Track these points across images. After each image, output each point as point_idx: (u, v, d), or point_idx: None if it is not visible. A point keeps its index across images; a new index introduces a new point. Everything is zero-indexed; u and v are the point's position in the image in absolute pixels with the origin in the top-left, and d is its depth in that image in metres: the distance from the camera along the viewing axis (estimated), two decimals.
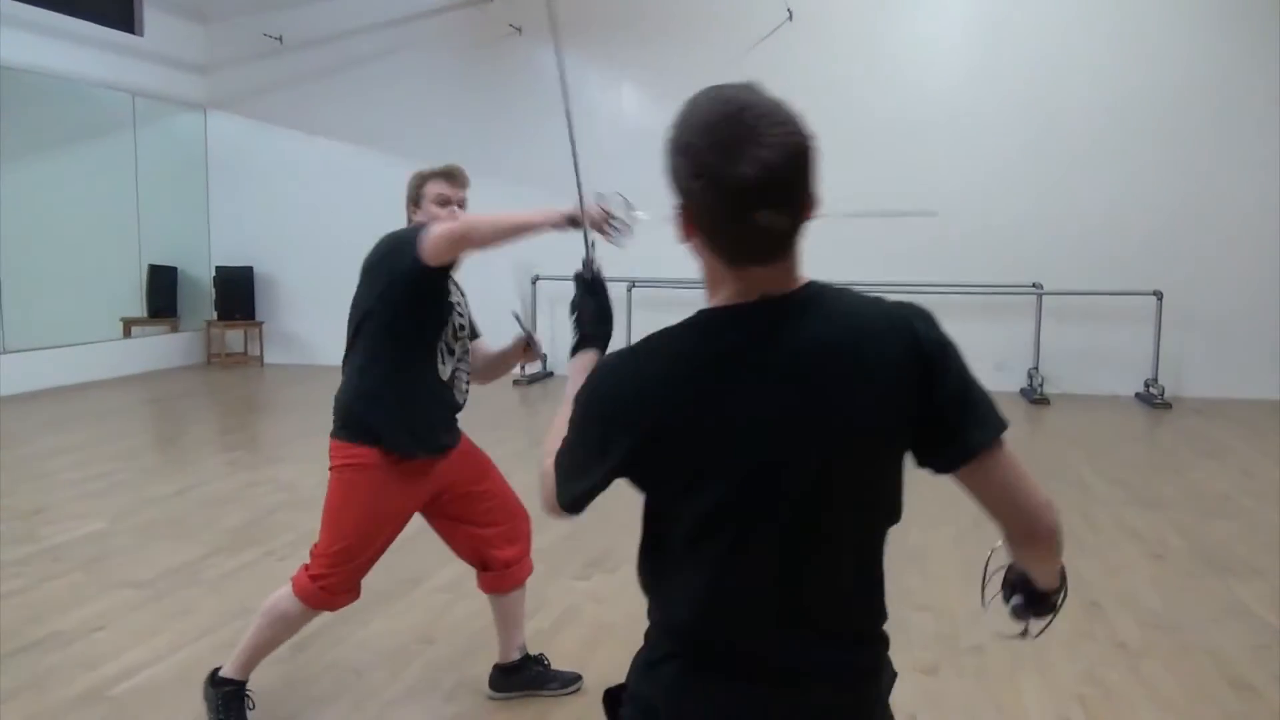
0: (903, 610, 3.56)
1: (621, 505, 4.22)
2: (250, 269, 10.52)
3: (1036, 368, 8.73)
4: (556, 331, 9.91)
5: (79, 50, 9.09)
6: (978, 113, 8.85)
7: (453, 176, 2.99)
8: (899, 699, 2.84)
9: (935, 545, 4.41)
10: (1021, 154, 8.80)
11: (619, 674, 2.94)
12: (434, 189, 2.93)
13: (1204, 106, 8.47)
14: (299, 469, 5.81)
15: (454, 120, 9.97)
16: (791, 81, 9.06)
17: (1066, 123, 8.71)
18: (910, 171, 8.99)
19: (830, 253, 9.47)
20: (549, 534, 4.63)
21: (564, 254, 8.40)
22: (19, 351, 8.73)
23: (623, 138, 9.67)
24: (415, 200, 2.94)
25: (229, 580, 3.91)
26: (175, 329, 10.59)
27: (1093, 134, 8.66)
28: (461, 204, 2.99)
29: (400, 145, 10.09)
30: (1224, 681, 3.06)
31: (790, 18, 9.06)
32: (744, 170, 1.08)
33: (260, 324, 10.57)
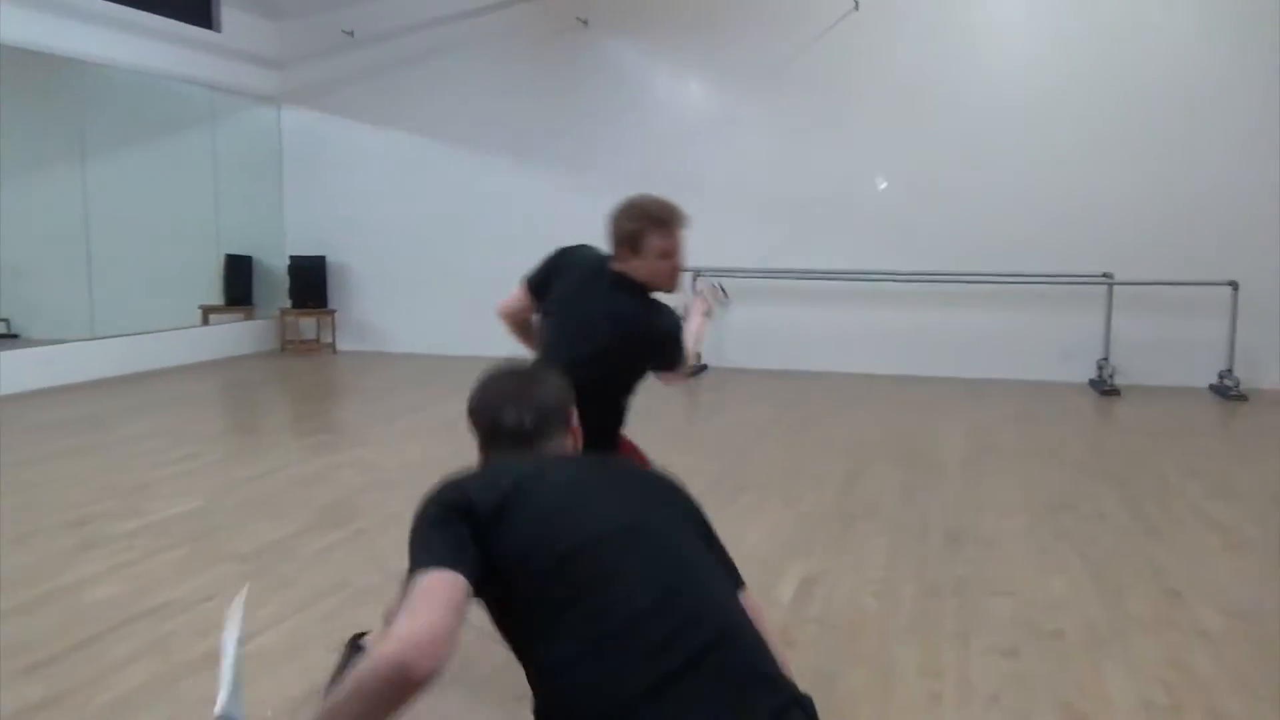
0: (984, 596, 3.65)
1: (697, 490, 4.35)
2: (323, 258, 10.79)
3: (1106, 358, 8.64)
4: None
5: (159, 46, 9.39)
6: (1050, 97, 8.77)
7: (668, 224, 2.95)
8: (980, 680, 2.92)
9: (1008, 533, 4.44)
10: (1093, 140, 8.70)
11: None
12: (658, 242, 2.90)
13: None
14: (380, 450, 6.00)
15: (521, 111, 10.12)
16: (858, 66, 9.18)
17: (1141, 107, 8.59)
18: (980, 156, 8.94)
19: (898, 241, 9.56)
20: None
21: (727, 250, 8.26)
22: (108, 338, 9.08)
23: (690, 126, 9.75)
24: (632, 246, 2.91)
25: (325, 555, 4.08)
26: (251, 316, 10.91)
27: (1167, 119, 8.54)
28: (679, 250, 2.99)
29: (468, 137, 10.28)
30: None
31: (856, 7, 9.05)
32: None
33: (332, 312, 10.84)
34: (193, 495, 5.00)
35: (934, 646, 3.22)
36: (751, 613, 1.77)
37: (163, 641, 3.21)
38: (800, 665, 3.03)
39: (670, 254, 2.88)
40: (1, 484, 5.20)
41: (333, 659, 2.99)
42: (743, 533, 4.43)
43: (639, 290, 2.94)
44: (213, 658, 3.04)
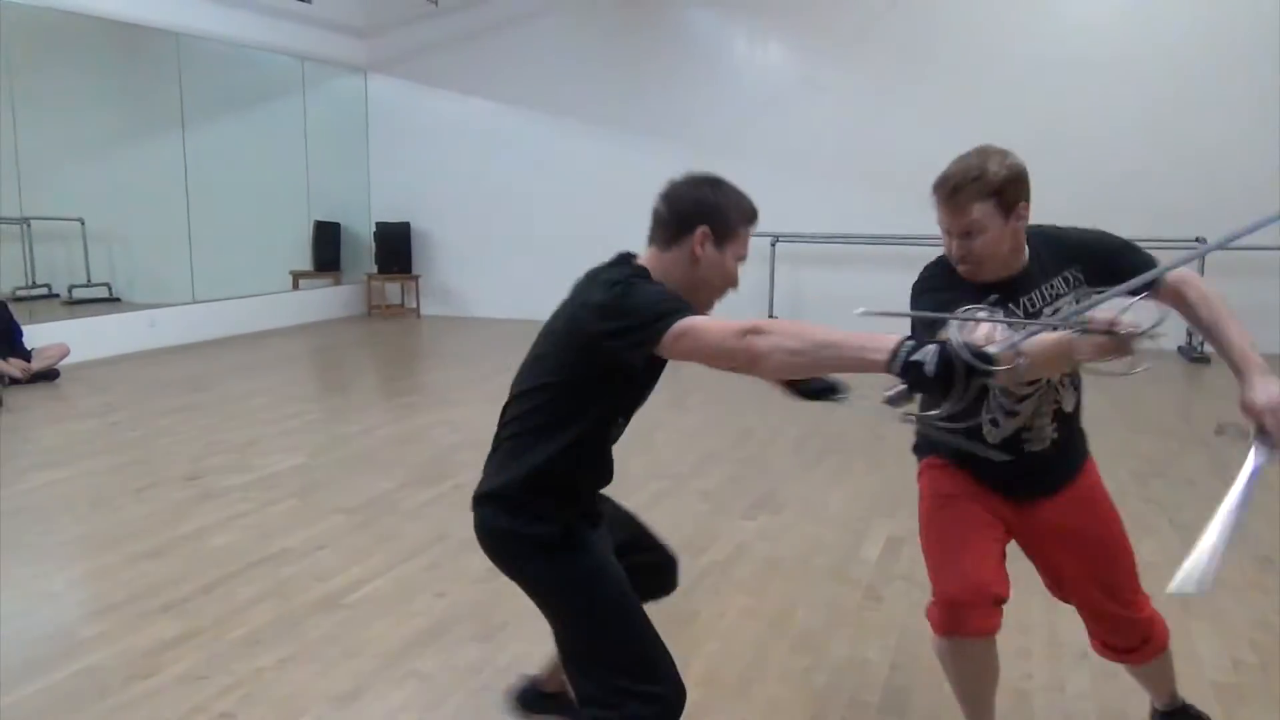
0: None
1: (780, 453, 4.49)
2: (408, 225, 11.04)
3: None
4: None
5: (251, 17, 9.65)
6: (1137, 54, 8.55)
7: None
8: (1068, 636, 2.97)
9: None
10: (1188, 94, 8.46)
11: (792, 604, 3.16)
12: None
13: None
14: (469, 411, 6.20)
15: (599, 78, 10.19)
16: (939, 21, 9.01)
17: (1232, 67, 8.32)
18: (1053, 117, 8.77)
19: None
20: (717, 473, 4.87)
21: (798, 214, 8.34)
22: (207, 301, 9.47)
23: (767, 92, 9.73)
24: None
25: (425, 509, 4.28)
26: (338, 281, 11.23)
27: (1260, 80, 8.26)
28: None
29: (548, 104, 10.40)
30: None
31: None
32: None
33: (417, 277, 11.11)
34: (297, 451, 5.25)
35: (1023, 604, 3.27)
36: None
37: (283, 585, 3.43)
38: (888, 620, 3.13)
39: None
40: (117, 440, 5.52)
41: (435, 606, 3.18)
42: (826, 495, 4.52)
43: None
44: (330, 603, 3.26)
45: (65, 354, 7.31)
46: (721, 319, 1.75)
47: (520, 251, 10.53)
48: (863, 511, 4.25)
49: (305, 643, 3.00)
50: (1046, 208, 8.37)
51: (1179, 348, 8.58)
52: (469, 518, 4.05)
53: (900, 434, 5.63)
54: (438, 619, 3.17)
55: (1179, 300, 2.16)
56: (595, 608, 1.97)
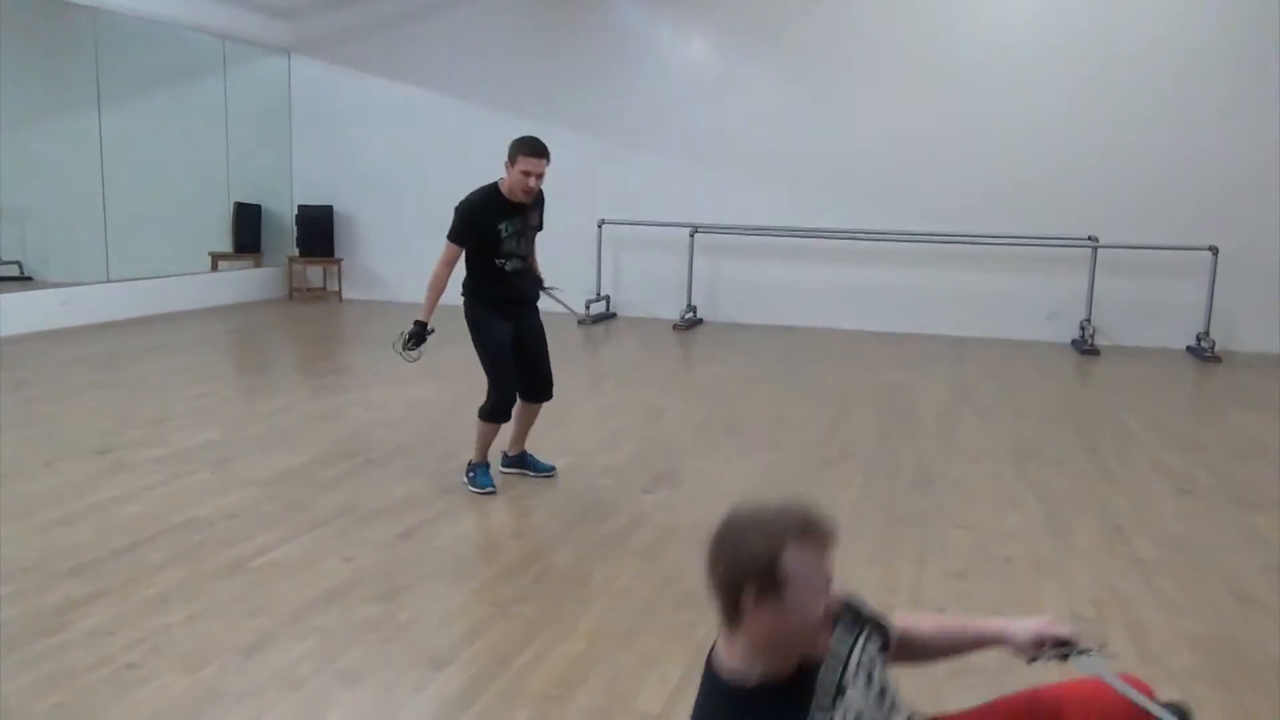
0: (943, 528, 3.97)
1: (686, 433, 4.75)
2: (330, 208, 11.03)
3: (1089, 319, 8.92)
4: (620, 276, 10.31)
5: None
6: (1037, 63, 8.98)
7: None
8: (930, 595, 3.22)
9: (974, 476, 4.76)
10: (1079, 103, 8.91)
11: (682, 569, 3.38)
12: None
13: (1266, 61, 8.48)
14: (387, 392, 6.31)
15: (527, 68, 10.30)
16: (857, 19, 9.36)
17: (1126, 73, 8.80)
18: (969, 122, 9.17)
19: (889, 203, 9.80)
20: (625, 450, 5.07)
21: (632, 201, 8.79)
22: (122, 281, 9.37)
23: (691, 86, 9.96)
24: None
25: (337, 482, 4.40)
26: (259, 264, 11.17)
27: (1152, 85, 8.75)
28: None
29: (474, 91, 10.48)
30: (1229, 594, 3.39)
31: None
32: None
33: (339, 261, 11.11)
34: (211, 428, 5.31)
35: (893, 568, 3.55)
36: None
37: (193, 550, 3.54)
38: None
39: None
40: (29, 414, 5.52)
41: (340, 571, 3.33)
42: (725, 470, 4.75)
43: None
44: (239, 566, 3.38)
45: None
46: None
47: (441, 238, 10.58)
48: (756, 487, 4.49)
49: (212, 601, 3.12)
50: (953, 206, 8.79)
51: (1072, 341, 9.03)
52: (380, 490, 4.25)
53: (806, 416, 5.99)
54: (342, 581, 3.32)
55: (914, 643, 1.82)
56: (483, 349, 4.29)
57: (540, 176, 4.15)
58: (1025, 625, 1.78)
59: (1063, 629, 1.76)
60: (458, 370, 5.16)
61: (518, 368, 4.33)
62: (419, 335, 4.22)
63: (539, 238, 4.46)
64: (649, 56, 10.05)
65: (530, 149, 4.11)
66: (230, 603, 3.12)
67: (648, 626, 3.04)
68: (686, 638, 2.95)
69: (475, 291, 4.28)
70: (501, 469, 4.52)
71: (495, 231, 4.17)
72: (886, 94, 9.38)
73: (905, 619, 1.80)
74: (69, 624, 2.93)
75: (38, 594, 3.14)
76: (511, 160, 4.14)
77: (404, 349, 4.22)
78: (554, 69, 10.25)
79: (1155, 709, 1.60)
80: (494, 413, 4.29)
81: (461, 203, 4.22)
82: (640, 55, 10.06)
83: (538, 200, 4.35)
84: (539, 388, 4.43)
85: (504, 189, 4.20)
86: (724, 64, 9.88)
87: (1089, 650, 1.71)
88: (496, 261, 4.21)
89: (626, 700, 2.59)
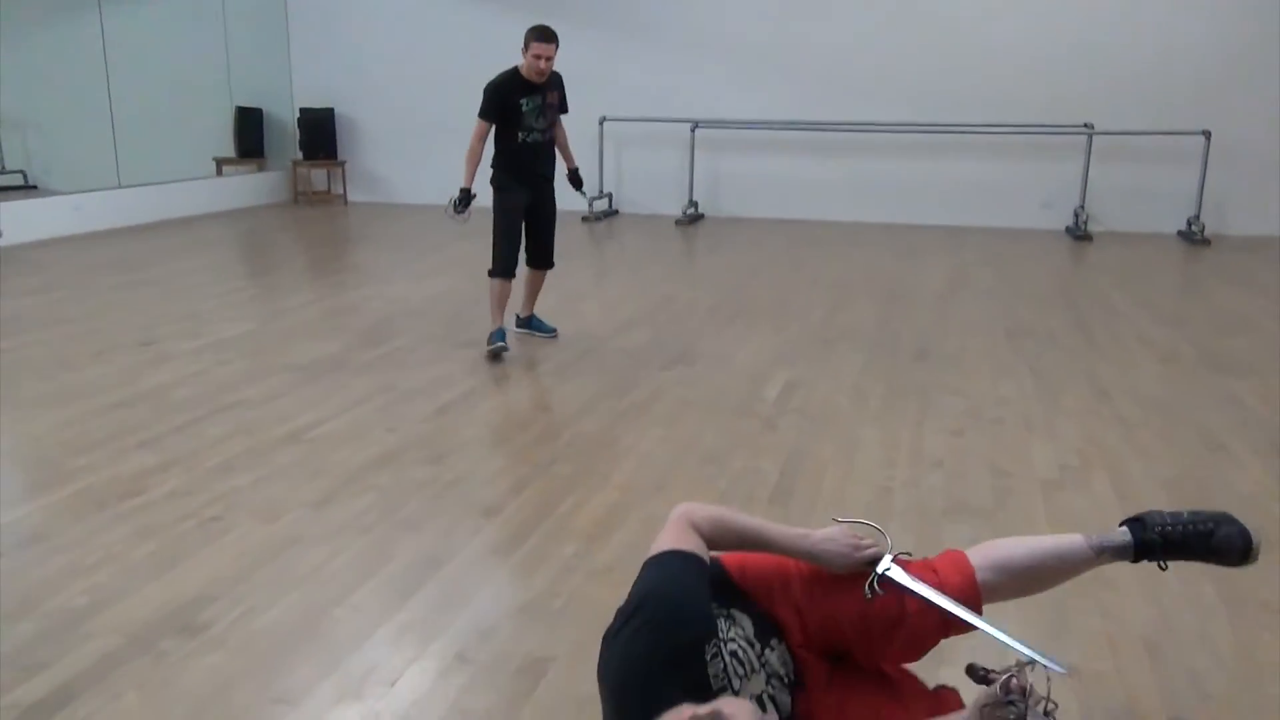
0: (941, 395, 4.27)
1: (695, 318, 5.04)
2: (332, 110, 11.06)
3: (1083, 206, 9.12)
4: (622, 173, 10.43)
5: None
6: None
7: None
8: (929, 451, 3.53)
9: (969, 351, 5.04)
10: None
11: (701, 432, 3.67)
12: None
13: None
14: (405, 287, 6.55)
15: None
16: None
17: None
18: (961, 6, 9.20)
19: (887, 94, 9.86)
20: (639, 334, 5.35)
21: (634, 98, 8.95)
22: (132, 187, 9.50)
23: None
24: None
25: (370, 366, 4.68)
26: (262, 168, 11.26)
27: None
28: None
29: None
30: (1202, 445, 3.70)
31: None
32: None
33: (343, 163, 11.20)
34: (243, 321, 5.57)
35: (893, 430, 3.84)
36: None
37: (248, 425, 3.83)
38: (781, 442, 3.67)
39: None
40: (65, 313, 5.76)
41: (387, 440, 3.62)
42: (734, 350, 5.02)
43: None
44: (293, 438, 3.67)
45: None
46: None
47: (446, 137, 10.60)
48: (766, 363, 4.77)
49: (275, 467, 3.42)
50: (950, 96, 8.91)
51: (1066, 228, 9.24)
52: (412, 373, 4.53)
53: (809, 301, 6.35)
54: (390, 448, 3.61)
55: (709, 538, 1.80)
56: (498, 210, 4.89)
57: (550, 59, 4.74)
58: (827, 539, 1.79)
59: (866, 547, 1.79)
60: (473, 263, 5.39)
61: (527, 236, 5.02)
62: (465, 199, 4.93)
63: (572, 134, 5.27)
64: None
65: (539, 35, 4.73)
66: (291, 467, 3.42)
67: (674, 479, 3.34)
68: (710, 488, 3.26)
69: (499, 162, 4.93)
70: (515, 329, 5.20)
71: (516, 105, 4.79)
72: None
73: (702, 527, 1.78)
74: (149, 488, 3.23)
75: (113, 464, 3.43)
76: (525, 46, 4.76)
77: (455, 211, 4.89)
78: None
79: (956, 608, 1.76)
80: (501, 268, 4.92)
81: (488, 84, 4.83)
82: None
83: (555, 82, 4.95)
84: (541, 255, 5.14)
85: (522, 71, 4.82)
86: None
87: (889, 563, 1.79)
88: (519, 135, 4.85)
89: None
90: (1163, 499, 3.19)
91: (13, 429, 3.81)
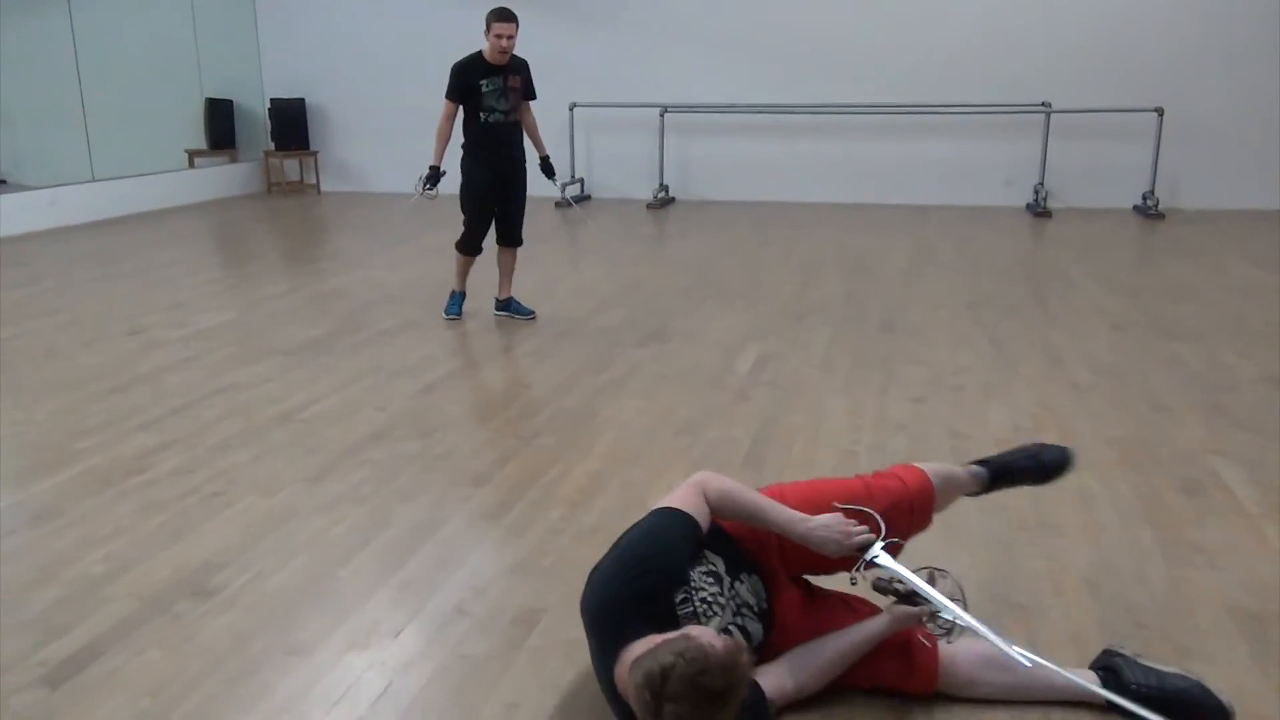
0: (905, 365, 4.49)
1: (669, 298, 5.24)
2: (303, 100, 11.12)
3: (1042, 183, 9.37)
4: (593, 158, 10.58)
5: None
6: None
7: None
8: (892, 416, 3.74)
9: (932, 323, 5.26)
10: None
11: (676, 405, 3.85)
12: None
13: None
14: (385, 272, 6.69)
15: None
16: None
17: None
18: None
19: (849, 76, 10.05)
20: (614, 314, 5.52)
21: (603, 84, 9.18)
22: (106, 180, 9.54)
23: None
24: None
25: (355, 350, 4.83)
26: (235, 159, 11.31)
27: None
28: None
29: None
30: (1148, 406, 3.94)
31: None
32: None
33: (315, 153, 11.27)
34: (227, 310, 5.69)
35: (859, 397, 4.05)
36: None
37: (242, 407, 3.98)
38: (753, 412, 3.87)
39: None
40: (50, 304, 5.86)
41: (377, 418, 3.79)
42: (708, 327, 5.22)
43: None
44: (286, 418, 3.83)
45: None
46: None
47: (417, 125, 10.66)
48: (738, 339, 4.97)
49: (271, 445, 3.58)
50: (911, 77, 9.14)
51: (1027, 205, 9.50)
52: (397, 354, 4.70)
53: (779, 278, 6.60)
54: (381, 425, 3.78)
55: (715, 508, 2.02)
56: (464, 191, 5.15)
57: (511, 38, 4.96)
58: (822, 526, 1.97)
59: (858, 535, 1.99)
60: (448, 249, 5.54)
61: (495, 216, 5.24)
62: (434, 176, 5.22)
63: (543, 120, 5.49)
64: None
65: (499, 15, 4.95)
66: (287, 445, 3.58)
67: (651, 449, 3.54)
68: (685, 455, 3.45)
69: (466, 144, 5.18)
70: (495, 313, 5.44)
71: (477, 86, 5.04)
72: None
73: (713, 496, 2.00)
74: (152, 466, 3.38)
75: (116, 445, 3.58)
76: (486, 28, 4.97)
77: (424, 189, 5.15)
78: None
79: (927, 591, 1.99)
80: (465, 245, 5.28)
81: (453, 66, 5.10)
82: None
83: (518, 66, 5.17)
84: (509, 235, 5.33)
85: (485, 54, 5.06)
86: None
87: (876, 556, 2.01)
88: (480, 115, 5.08)
89: (639, 502, 3.07)
90: (1107, 453, 3.42)
91: (15, 414, 3.94)
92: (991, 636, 1.94)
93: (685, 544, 1.93)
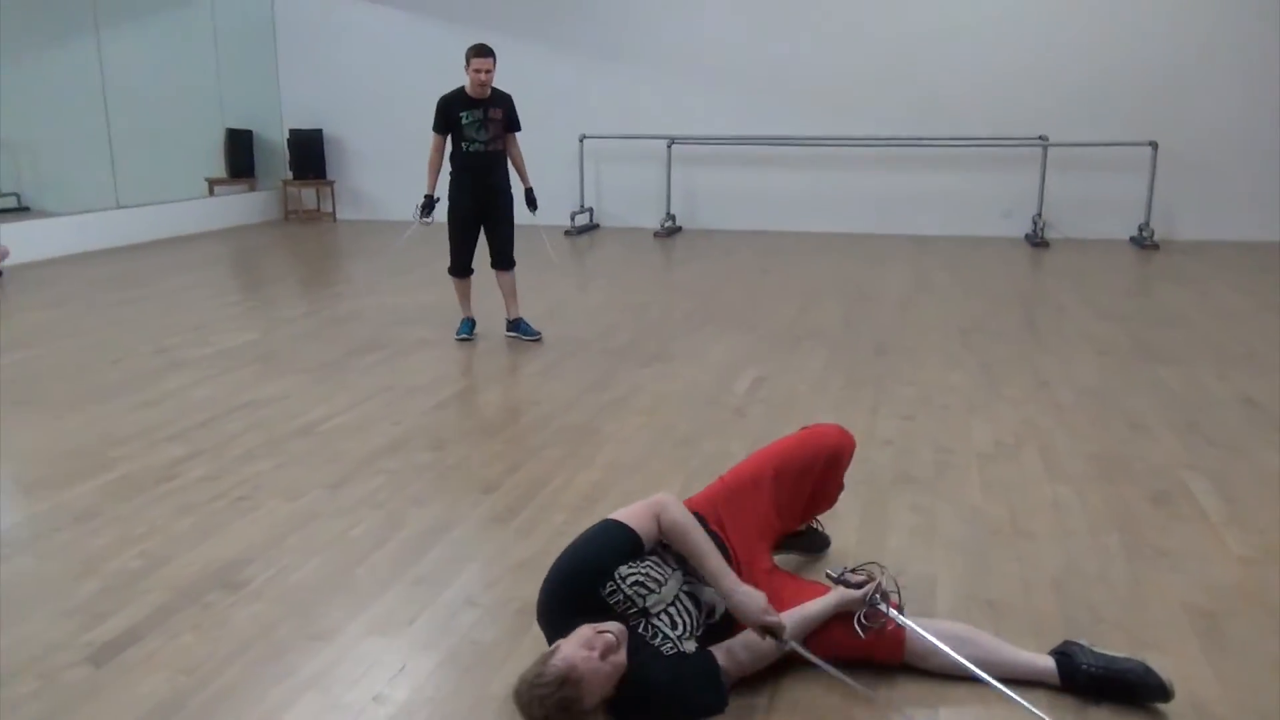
0: (894, 385, 4.68)
1: (671, 322, 5.48)
2: (320, 131, 11.45)
3: (1040, 214, 9.60)
4: (602, 188, 10.85)
5: None
6: None
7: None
8: (881, 432, 3.93)
9: (924, 346, 5.47)
10: (1026, 9, 9.48)
11: (676, 421, 4.06)
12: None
13: None
14: (398, 298, 6.93)
15: None
16: None
17: None
18: (920, 26, 9.69)
19: (852, 110, 10.32)
20: (619, 337, 5.74)
21: (612, 116, 9.48)
22: (130, 207, 9.84)
23: (658, 2, 10.34)
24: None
25: (371, 368, 5.05)
26: (253, 188, 11.63)
27: None
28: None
29: (453, 11, 10.85)
30: (1125, 424, 4.12)
31: None
32: None
33: (331, 182, 11.58)
34: (248, 330, 5.93)
35: (850, 415, 4.25)
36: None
37: (264, 421, 4.20)
38: (749, 428, 4.07)
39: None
40: (78, 325, 6.11)
41: (392, 431, 4.00)
42: (708, 349, 5.43)
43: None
44: (306, 430, 4.04)
45: (6, 255, 7.73)
46: None
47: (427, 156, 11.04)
48: (737, 360, 5.18)
49: (293, 455, 3.79)
50: (912, 111, 9.42)
51: (1025, 235, 9.72)
52: (412, 374, 4.93)
53: (777, 304, 6.86)
54: (396, 438, 3.99)
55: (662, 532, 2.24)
56: (448, 215, 5.56)
57: (488, 72, 5.35)
58: (747, 595, 2.16)
59: (771, 619, 2.15)
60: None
61: (486, 241, 5.62)
62: (428, 205, 5.62)
63: (530, 152, 5.83)
64: None
65: (476, 52, 5.33)
66: (307, 455, 3.79)
67: (651, 460, 3.74)
68: (683, 466, 3.66)
69: (451, 172, 5.56)
70: (506, 334, 5.73)
71: (458, 119, 5.42)
72: (847, 5, 9.87)
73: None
74: (180, 474, 3.60)
75: (146, 454, 3.80)
76: (466, 63, 5.38)
77: (421, 217, 5.58)
78: None
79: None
80: (451, 267, 5.68)
81: (438, 100, 5.53)
82: None
83: (499, 99, 5.53)
84: (499, 257, 5.65)
85: (467, 88, 5.47)
86: None
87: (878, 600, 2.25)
88: (462, 145, 5.46)
89: None
90: (1083, 467, 3.60)
91: (52, 424, 4.17)
92: (922, 632, 2.22)
93: (618, 557, 2.17)
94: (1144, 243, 9.17)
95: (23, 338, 5.78)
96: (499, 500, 3.37)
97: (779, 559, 2.69)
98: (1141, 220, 9.36)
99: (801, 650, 2.19)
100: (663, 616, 2.16)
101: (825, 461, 2.61)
